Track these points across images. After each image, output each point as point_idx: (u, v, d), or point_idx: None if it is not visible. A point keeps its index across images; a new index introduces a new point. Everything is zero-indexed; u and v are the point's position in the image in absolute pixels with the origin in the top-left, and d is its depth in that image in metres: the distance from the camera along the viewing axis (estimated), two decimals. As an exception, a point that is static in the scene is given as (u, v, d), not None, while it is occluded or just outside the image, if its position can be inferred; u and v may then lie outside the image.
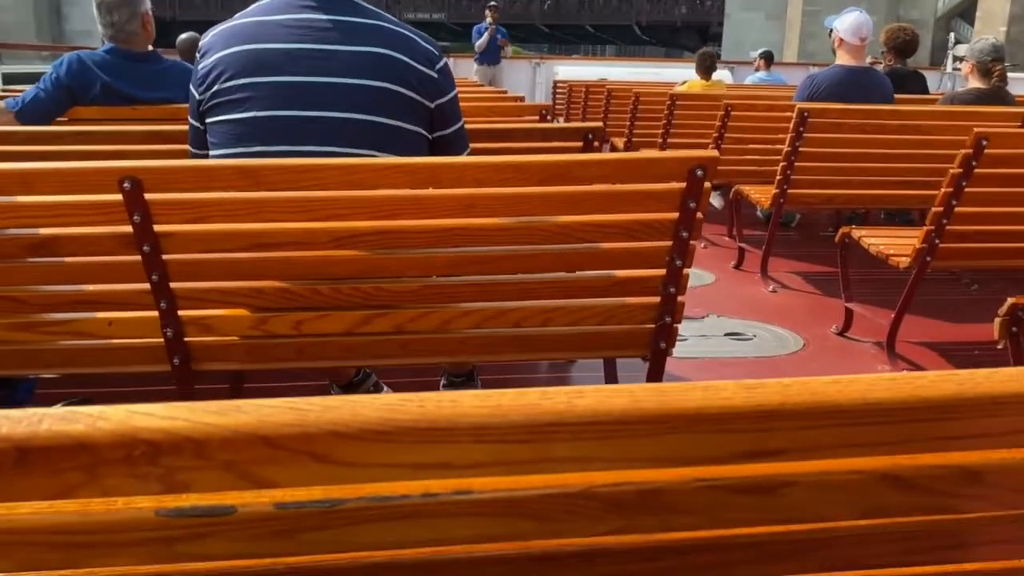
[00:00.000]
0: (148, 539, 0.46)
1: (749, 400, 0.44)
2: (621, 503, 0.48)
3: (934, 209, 2.28)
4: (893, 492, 0.51)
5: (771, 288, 3.26)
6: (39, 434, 0.40)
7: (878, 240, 2.48)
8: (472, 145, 1.93)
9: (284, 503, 0.45)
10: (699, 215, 1.46)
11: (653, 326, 1.57)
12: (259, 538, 0.46)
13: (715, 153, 1.44)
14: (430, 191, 1.43)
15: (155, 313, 1.50)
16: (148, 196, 1.38)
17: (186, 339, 1.54)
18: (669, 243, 1.48)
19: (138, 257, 1.43)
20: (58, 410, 0.40)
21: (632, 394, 0.44)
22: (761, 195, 3.33)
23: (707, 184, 1.44)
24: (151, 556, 0.47)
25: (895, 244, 2.43)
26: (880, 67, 4.42)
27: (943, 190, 2.25)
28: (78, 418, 0.40)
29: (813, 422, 0.45)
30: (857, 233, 2.56)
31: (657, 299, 1.55)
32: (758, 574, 0.55)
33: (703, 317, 2.84)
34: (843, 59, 3.54)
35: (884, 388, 0.46)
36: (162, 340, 1.53)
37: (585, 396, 0.44)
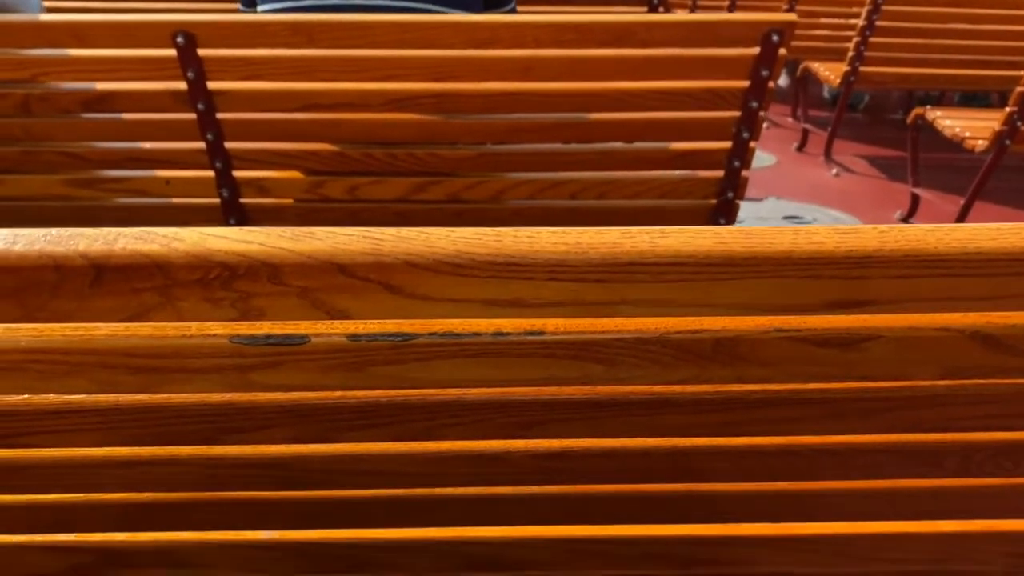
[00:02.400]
0: (222, 366, 0.46)
1: (842, 245, 0.42)
2: (695, 351, 0.47)
3: (1019, 88, 2.14)
4: (980, 352, 0.48)
5: (834, 172, 3.15)
6: (115, 252, 0.39)
7: (954, 121, 2.35)
8: (529, 8, 1.85)
9: (356, 335, 0.45)
10: (771, 85, 1.39)
11: (714, 201, 1.53)
12: (331, 369, 0.46)
13: (793, 16, 1.35)
14: (486, 52, 1.38)
15: (211, 173, 1.50)
16: (201, 52, 1.35)
17: (241, 200, 1.55)
18: (737, 114, 1.41)
19: (193, 115, 1.42)
20: (134, 230, 0.40)
21: (718, 235, 0.42)
22: (831, 72, 3.16)
23: (782, 51, 1.36)
24: (225, 384, 0.47)
25: (972, 126, 2.30)
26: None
27: (1032, 68, 2.10)
28: (153, 238, 0.40)
29: (908, 271, 0.43)
30: (931, 114, 2.43)
31: (720, 173, 1.50)
32: (827, 431, 0.54)
33: (762, 199, 2.77)
34: (932, -77, 3.26)
35: (988, 237, 0.43)
36: (218, 201, 1.54)
37: (668, 236, 0.42)
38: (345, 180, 1.53)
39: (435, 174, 1.53)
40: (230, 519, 0.61)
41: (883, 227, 0.43)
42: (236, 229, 0.40)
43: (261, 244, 0.40)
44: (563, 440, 0.55)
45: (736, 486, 0.59)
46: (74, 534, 0.65)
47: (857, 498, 0.61)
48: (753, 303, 0.44)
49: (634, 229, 0.42)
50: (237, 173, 1.50)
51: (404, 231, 0.42)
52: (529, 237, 0.42)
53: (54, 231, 0.40)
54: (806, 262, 0.42)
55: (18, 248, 0.40)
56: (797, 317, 0.46)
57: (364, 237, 0.41)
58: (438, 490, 0.58)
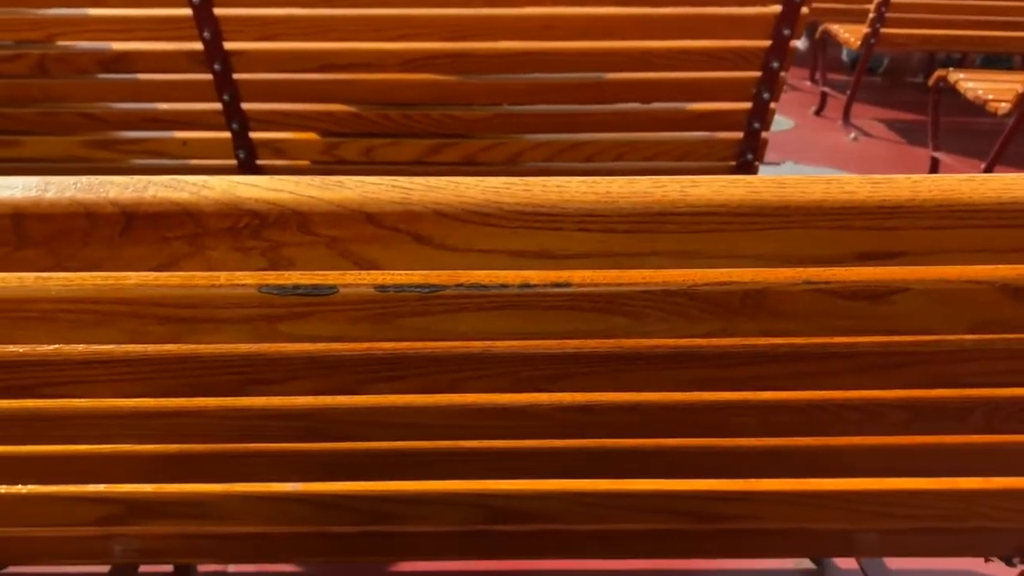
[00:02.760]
0: (250, 316, 0.46)
1: (874, 194, 0.41)
2: (722, 304, 0.47)
3: (1045, 49, 2.10)
4: (1011, 305, 0.48)
5: (853, 136, 3.11)
6: (145, 199, 0.39)
7: (976, 84, 2.31)
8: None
9: (384, 286, 0.45)
10: (792, 44, 1.37)
11: (734, 163, 1.51)
12: (358, 320, 0.46)
13: (816, -28, 1.32)
14: (504, 10, 1.36)
15: (227, 134, 1.50)
16: (217, 11, 1.34)
17: (258, 162, 1.55)
18: (757, 74, 1.39)
19: (209, 76, 1.42)
20: (163, 178, 0.40)
21: (750, 184, 0.42)
22: (851, 35, 3.10)
23: (804, 9, 1.33)
24: (253, 334, 0.47)
25: (995, 88, 2.26)
26: None
27: (1059, 28, 2.05)
28: (183, 186, 0.40)
29: (940, 222, 0.42)
30: (954, 76, 2.39)
31: (739, 135, 1.48)
32: (853, 386, 0.54)
33: (780, 163, 2.74)
34: None
35: (1023, 187, 0.42)
36: (235, 162, 1.54)
37: (700, 185, 0.42)
38: (361, 142, 1.52)
39: (451, 135, 1.52)
40: (256, 471, 0.62)
41: (916, 176, 0.42)
42: (265, 178, 0.40)
43: (291, 192, 0.40)
44: (588, 394, 0.55)
45: (761, 441, 0.59)
46: (103, 485, 0.66)
47: (880, 454, 0.61)
48: (782, 254, 0.44)
49: (665, 179, 0.42)
50: (254, 134, 1.50)
51: (433, 180, 0.42)
52: (558, 187, 0.42)
53: (84, 179, 0.40)
54: (838, 211, 0.42)
55: (49, 195, 0.40)
56: (826, 269, 0.46)
57: (393, 186, 0.41)
58: (463, 443, 0.59)
